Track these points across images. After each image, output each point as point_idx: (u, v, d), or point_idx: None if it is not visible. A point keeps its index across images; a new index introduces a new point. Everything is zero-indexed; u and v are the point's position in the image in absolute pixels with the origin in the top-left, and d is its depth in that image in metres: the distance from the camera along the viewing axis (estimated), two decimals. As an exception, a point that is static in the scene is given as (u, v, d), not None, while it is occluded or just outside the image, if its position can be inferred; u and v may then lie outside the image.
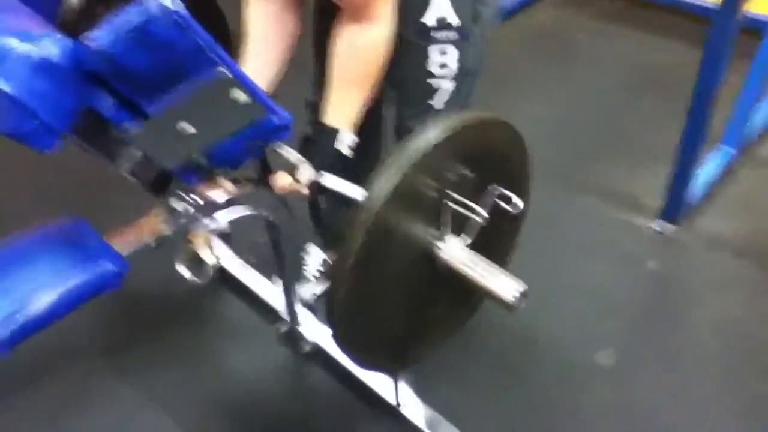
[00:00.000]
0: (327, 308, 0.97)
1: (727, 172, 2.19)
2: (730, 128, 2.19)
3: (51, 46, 0.86)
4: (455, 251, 1.01)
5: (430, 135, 0.92)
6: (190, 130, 0.95)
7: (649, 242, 1.99)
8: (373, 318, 1.03)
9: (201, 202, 1.09)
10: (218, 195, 1.11)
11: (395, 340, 1.11)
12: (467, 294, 1.13)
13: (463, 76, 1.31)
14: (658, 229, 2.01)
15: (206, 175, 1.09)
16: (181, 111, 0.94)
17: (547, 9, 3.17)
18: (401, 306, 1.06)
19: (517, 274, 0.99)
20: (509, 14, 3.03)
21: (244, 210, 1.15)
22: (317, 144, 1.18)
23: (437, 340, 1.20)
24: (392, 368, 1.29)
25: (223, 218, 1.12)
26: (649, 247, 1.97)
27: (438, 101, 1.32)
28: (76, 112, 0.90)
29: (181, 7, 0.81)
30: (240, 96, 0.95)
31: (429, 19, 1.24)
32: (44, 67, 0.85)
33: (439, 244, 1.01)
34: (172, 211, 1.10)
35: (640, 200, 2.10)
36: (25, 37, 0.86)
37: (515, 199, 1.01)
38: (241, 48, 1.27)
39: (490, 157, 1.05)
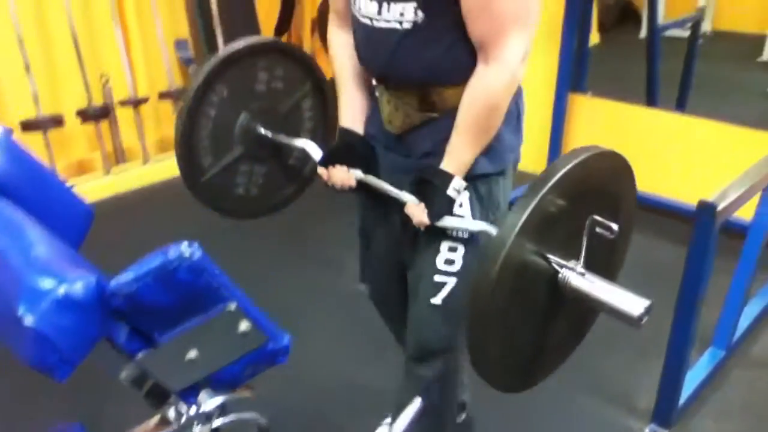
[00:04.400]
0: (466, 332, 1.09)
1: (718, 374, 2.22)
2: (720, 329, 2.26)
3: (77, 284, 0.95)
4: (577, 275, 1.11)
5: (549, 175, 1.05)
6: (196, 357, 1.03)
7: (643, 447, 1.99)
8: (503, 342, 1.14)
9: (195, 412, 1.15)
10: (212, 404, 1.16)
11: (521, 362, 1.22)
12: (582, 319, 1.26)
13: (465, 275, 1.37)
14: (651, 432, 2.02)
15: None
16: (189, 340, 1.03)
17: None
18: (528, 329, 1.17)
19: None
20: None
21: (238, 416, 1.21)
22: (434, 188, 1.29)
23: (555, 362, 1.30)
24: (517, 388, 1.30)
25: (216, 423, 1.17)
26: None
27: (439, 297, 1.39)
28: (94, 344, 0.98)
29: (198, 255, 0.93)
30: (245, 326, 1.04)
31: (449, 222, 1.33)
32: (69, 304, 0.94)
33: (563, 269, 1.11)
34: (169, 421, 1.15)
35: (633, 400, 2.13)
36: (51, 273, 0.95)
37: (612, 225, 1.09)
38: (338, 86, 1.45)
39: (599, 187, 1.16)
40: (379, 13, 1.25)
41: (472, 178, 1.33)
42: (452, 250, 1.37)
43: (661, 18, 6.38)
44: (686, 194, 2.66)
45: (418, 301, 1.44)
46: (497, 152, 1.35)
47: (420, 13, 1.21)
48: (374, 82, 1.43)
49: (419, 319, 1.46)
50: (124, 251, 2.98)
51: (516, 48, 1.21)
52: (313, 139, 1.61)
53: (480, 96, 1.24)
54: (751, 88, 5.07)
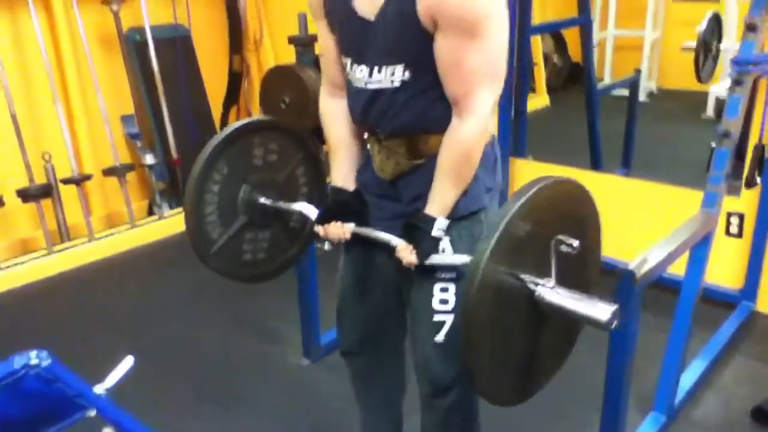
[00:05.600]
0: (461, 357, 1.24)
1: (661, 439, 2.19)
2: (660, 392, 2.23)
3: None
4: (550, 290, 1.24)
5: (512, 205, 1.18)
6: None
7: None
8: (496, 359, 1.26)
9: None
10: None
11: (516, 375, 1.34)
12: (567, 329, 1.39)
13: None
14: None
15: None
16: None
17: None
18: (515, 344, 1.29)
19: None
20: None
21: None
22: (421, 231, 1.42)
23: (549, 372, 1.42)
24: (517, 400, 1.40)
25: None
26: None
27: (441, 334, 1.51)
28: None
29: (47, 363, 0.89)
30: (109, 434, 0.99)
31: (436, 260, 1.45)
32: None
33: (538, 286, 1.24)
34: None
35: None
36: None
37: (574, 242, 1.23)
38: (329, 148, 1.60)
39: (561, 210, 1.30)
40: (371, 75, 1.42)
41: (454, 219, 1.46)
42: (444, 290, 1.49)
43: (609, 78, 6.62)
44: (628, 253, 2.68)
45: (422, 342, 1.55)
46: (475, 193, 1.47)
47: (408, 73, 1.38)
48: (366, 135, 1.59)
49: (427, 359, 1.56)
50: (65, 329, 2.94)
51: (485, 101, 1.35)
52: (310, 200, 1.78)
53: (455, 146, 1.39)
54: (697, 143, 5.19)
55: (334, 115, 1.60)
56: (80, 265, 3.54)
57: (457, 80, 1.34)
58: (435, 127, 1.42)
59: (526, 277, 1.24)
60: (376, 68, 1.41)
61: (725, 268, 2.86)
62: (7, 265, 3.37)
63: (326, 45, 1.55)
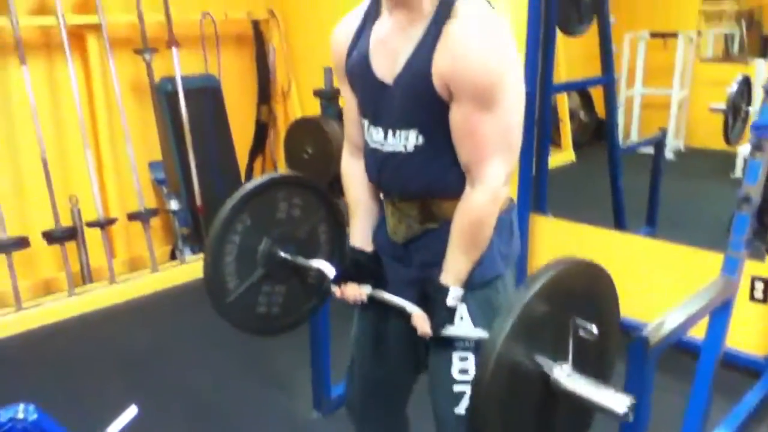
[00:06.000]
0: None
1: None
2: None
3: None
4: (565, 374, 1.21)
5: (532, 285, 1.16)
6: None
7: None
8: None
9: None
10: None
11: None
12: (582, 412, 1.33)
13: None
14: None
15: None
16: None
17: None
18: (528, 426, 1.26)
19: None
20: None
21: None
22: (435, 300, 1.41)
23: None
24: None
25: None
26: None
27: (462, 407, 1.48)
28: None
29: (33, 417, 0.89)
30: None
31: (452, 331, 1.43)
32: None
33: (554, 370, 1.21)
34: None
35: None
36: None
37: (593, 328, 1.20)
38: (349, 207, 1.62)
39: (580, 293, 1.26)
40: (386, 139, 1.44)
41: (470, 288, 1.44)
42: (463, 359, 1.47)
43: (636, 135, 6.60)
44: (649, 315, 2.62)
45: (442, 412, 1.53)
46: (490, 261, 1.46)
47: (421, 138, 1.39)
48: (382, 196, 1.59)
49: (447, 429, 1.54)
50: (79, 371, 2.96)
51: (498, 171, 1.35)
52: (330, 258, 1.76)
53: (467, 215, 1.38)
54: (725, 202, 5.11)
55: (354, 176, 1.61)
56: (100, 307, 3.58)
57: (470, 149, 1.35)
58: (448, 192, 1.42)
59: (542, 360, 1.22)
60: (390, 131, 1.43)
61: (750, 333, 2.77)
62: (29, 306, 3.41)
63: (348, 105, 1.57)
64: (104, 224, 3.64)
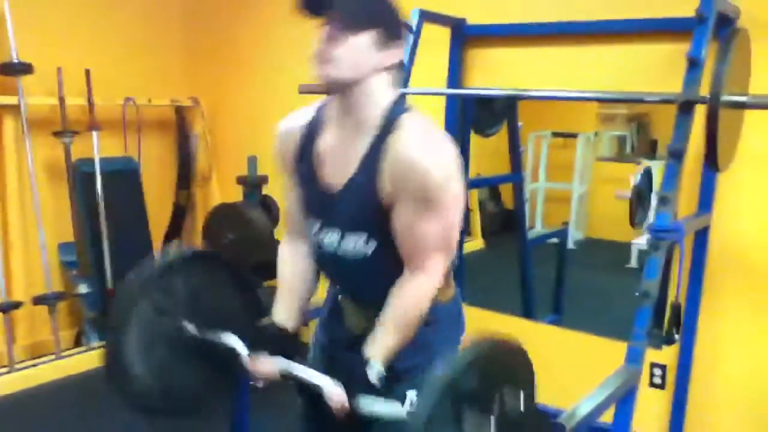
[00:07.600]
0: None
1: None
2: None
3: None
4: None
5: (455, 364, 1.19)
6: None
7: None
8: None
9: None
10: None
11: None
12: None
13: None
14: None
15: None
16: None
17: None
18: None
19: None
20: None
21: None
22: (356, 372, 1.41)
23: None
24: None
25: None
26: None
27: None
28: None
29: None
30: None
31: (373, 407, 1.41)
32: None
33: None
34: None
35: None
36: None
37: (522, 396, 1.25)
38: (277, 286, 1.61)
39: (502, 370, 1.30)
40: (340, 243, 1.48)
41: (407, 370, 1.48)
42: None
43: (540, 225, 6.98)
44: (560, 400, 2.74)
45: None
46: (433, 344, 1.54)
47: (372, 242, 1.45)
48: (336, 291, 1.64)
49: None
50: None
51: (438, 265, 1.43)
52: (243, 336, 1.65)
53: (406, 299, 1.45)
54: (622, 290, 5.42)
55: (290, 258, 1.65)
56: (-3, 397, 3.37)
57: (413, 246, 1.42)
58: None
59: None
60: (344, 234, 1.48)
61: (651, 419, 2.93)
62: None
63: (290, 196, 1.62)
64: (7, 308, 3.47)
